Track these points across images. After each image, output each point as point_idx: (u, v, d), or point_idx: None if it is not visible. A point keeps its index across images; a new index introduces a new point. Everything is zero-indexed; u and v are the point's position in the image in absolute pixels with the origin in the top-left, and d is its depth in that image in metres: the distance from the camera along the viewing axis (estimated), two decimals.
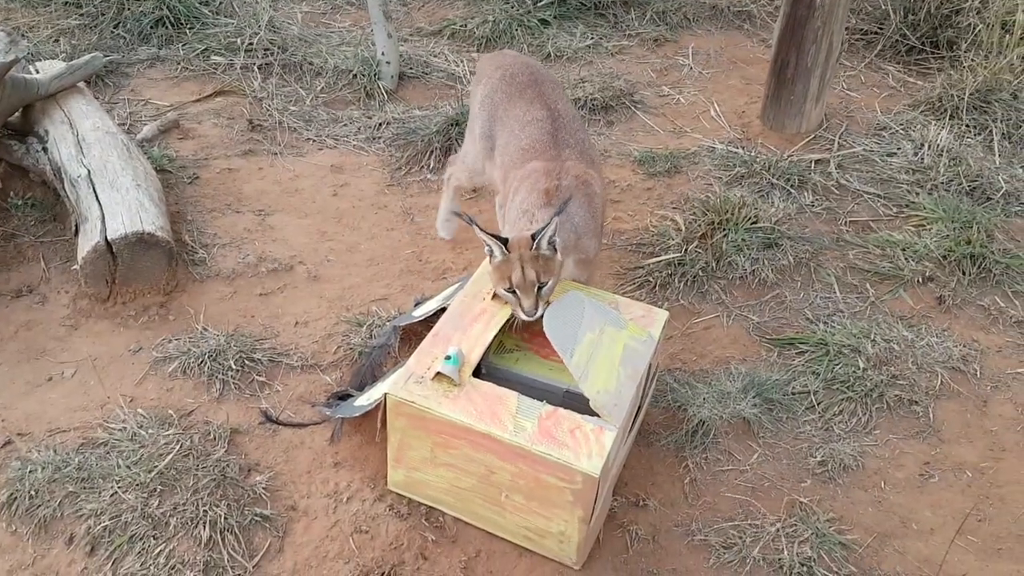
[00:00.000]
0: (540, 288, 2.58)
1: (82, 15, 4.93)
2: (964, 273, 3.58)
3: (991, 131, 4.35)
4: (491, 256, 2.65)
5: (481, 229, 2.59)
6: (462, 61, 4.87)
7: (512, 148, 3.01)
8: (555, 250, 2.61)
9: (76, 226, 3.39)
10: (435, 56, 4.94)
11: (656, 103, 4.67)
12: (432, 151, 4.14)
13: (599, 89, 4.62)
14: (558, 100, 3.12)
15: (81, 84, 4.04)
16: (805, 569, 2.54)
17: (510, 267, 2.58)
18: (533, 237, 2.57)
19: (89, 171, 3.46)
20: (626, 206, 3.91)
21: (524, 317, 2.60)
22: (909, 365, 3.18)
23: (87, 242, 3.22)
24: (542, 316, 2.58)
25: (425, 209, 3.87)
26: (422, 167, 4.12)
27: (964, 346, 3.29)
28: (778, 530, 2.64)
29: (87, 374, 3.04)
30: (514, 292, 2.59)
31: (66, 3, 5.00)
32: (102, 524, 2.53)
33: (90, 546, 2.50)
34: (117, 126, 3.85)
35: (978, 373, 3.20)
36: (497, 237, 2.61)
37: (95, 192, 3.37)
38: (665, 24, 5.32)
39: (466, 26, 5.13)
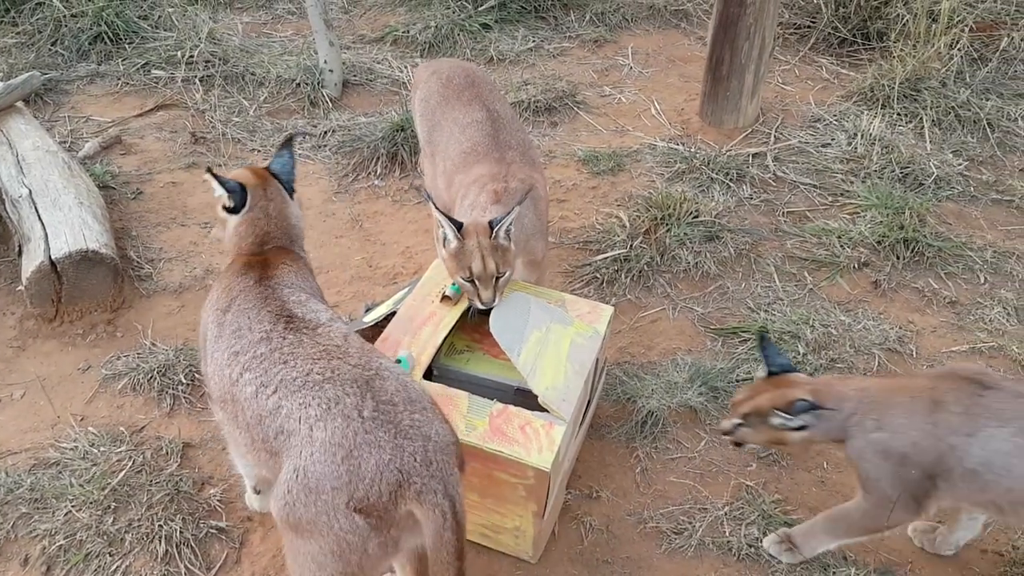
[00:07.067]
0: (498, 278, 2.63)
1: (18, 33, 4.88)
2: (898, 257, 3.70)
3: (921, 118, 4.49)
4: (444, 242, 2.64)
5: (437, 208, 2.60)
6: (405, 67, 4.90)
7: (453, 151, 3.04)
8: (511, 240, 2.65)
9: (19, 247, 3.37)
10: (378, 63, 4.96)
11: (598, 103, 4.74)
12: (378, 157, 4.17)
13: (542, 91, 4.69)
14: (496, 101, 3.16)
15: (19, 103, 4.00)
16: (752, 550, 2.62)
17: (469, 257, 2.59)
18: (491, 225, 2.60)
19: (30, 191, 3.43)
20: (572, 205, 3.98)
21: (481, 306, 2.65)
22: (847, 348, 3.29)
23: (31, 262, 3.20)
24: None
25: (373, 215, 3.90)
26: (369, 174, 4.14)
27: (900, 328, 3.41)
28: (726, 513, 2.72)
29: (36, 395, 3.02)
30: (473, 282, 2.62)
31: (1, 22, 4.94)
32: (57, 543, 2.53)
33: (46, 566, 2.50)
34: (58, 144, 3.83)
35: (914, 353, 3.32)
36: (452, 220, 2.61)
37: (37, 212, 3.35)
38: (604, 25, 5.41)
39: (408, 32, 5.17)
